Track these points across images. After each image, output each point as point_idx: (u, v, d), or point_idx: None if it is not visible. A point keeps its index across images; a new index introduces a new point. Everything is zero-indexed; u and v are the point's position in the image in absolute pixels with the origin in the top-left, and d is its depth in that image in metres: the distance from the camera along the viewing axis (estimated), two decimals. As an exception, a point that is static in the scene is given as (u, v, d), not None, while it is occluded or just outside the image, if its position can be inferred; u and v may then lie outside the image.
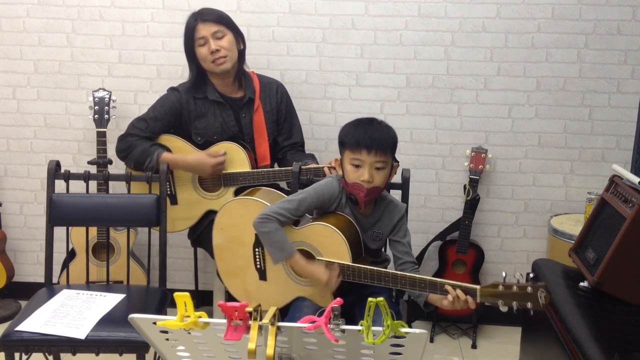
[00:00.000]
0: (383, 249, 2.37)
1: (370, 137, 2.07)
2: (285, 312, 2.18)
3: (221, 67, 2.72)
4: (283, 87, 2.94)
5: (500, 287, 1.85)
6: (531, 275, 1.86)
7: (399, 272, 2.03)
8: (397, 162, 2.22)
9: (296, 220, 2.19)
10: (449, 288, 1.92)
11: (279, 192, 2.50)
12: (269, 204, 2.22)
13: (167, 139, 2.80)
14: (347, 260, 2.08)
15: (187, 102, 2.78)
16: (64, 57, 3.24)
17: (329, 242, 2.10)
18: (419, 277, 1.99)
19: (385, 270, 2.05)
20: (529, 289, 1.82)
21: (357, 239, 2.17)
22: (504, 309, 1.86)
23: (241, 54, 2.80)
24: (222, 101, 2.80)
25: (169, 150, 2.77)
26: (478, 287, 1.89)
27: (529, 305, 1.82)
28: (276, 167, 2.89)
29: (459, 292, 1.91)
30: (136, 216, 2.48)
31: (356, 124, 2.13)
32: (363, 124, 2.13)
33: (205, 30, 2.69)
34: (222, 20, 2.73)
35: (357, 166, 2.09)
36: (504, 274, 1.88)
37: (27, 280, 3.46)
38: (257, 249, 2.25)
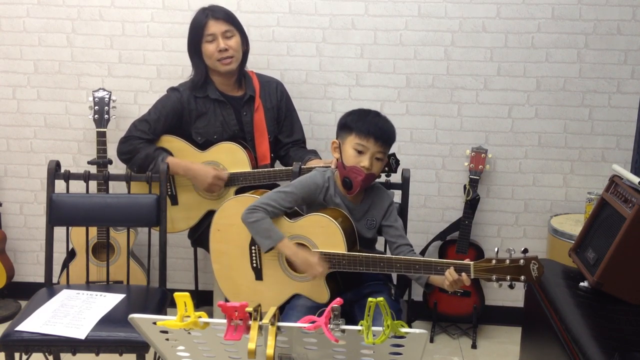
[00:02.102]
0: (376, 245, 2.38)
1: (380, 128, 2.14)
2: (281, 311, 2.19)
3: (226, 68, 2.72)
4: (282, 85, 2.95)
5: (493, 262, 1.90)
6: (522, 249, 1.88)
7: (393, 256, 2.07)
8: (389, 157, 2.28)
9: (287, 212, 2.20)
10: (447, 272, 1.97)
11: None
12: None
13: (168, 140, 2.80)
14: (342, 250, 2.10)
15: (188, 102, 2.78)
16: (64, 57, 3.24)
17: (325, 232, 2.11)
18: (413, 259, 2.05)
19: (380, 255, 2.09)
20: (522, 261, 1.86)
21: (352, 230, 2.18)
22: (497, 285, 1.89)
23: (245, 55, 2.81)
24: (224, 100, 2.80)
25: (171, 154, 2.77)
26: (471, 262, 1.94)
27: (522, 278, 1.85)
28: (277, 167, 2.89)
29: (451, 271, 1.96)
30: (136, 216, 2.48)
31: (365, 113, 2.20)
32: (372, 114, 2.20)
33: (216, 27, 2.69)
34: (233, 20, 2.75)
35: (359, 152, 2.14)
36: (496, 249, 1.90)
37: (27, 280, 3.46)
38: (253, 247, 2.25)
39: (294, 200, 2.19)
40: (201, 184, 2.74)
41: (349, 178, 2.15)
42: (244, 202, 2.28)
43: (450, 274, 1.96)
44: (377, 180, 2.29)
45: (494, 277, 1.89)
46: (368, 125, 2.13)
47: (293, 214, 2.24)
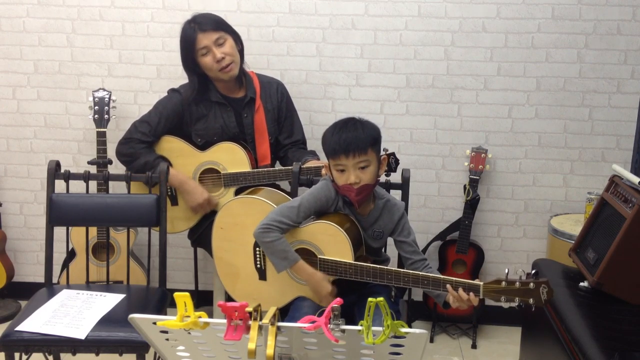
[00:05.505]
0: (384, 250, 2.37)
1: (345, 141, 2.06)
2: (285, 312, 2.19)
3: (230, 74, 2.71)
4: (283, 85, 2.94)
5: (503, 284, 1.86)
6: (533, 271, 1.88)
7: (401, 270, 2.04)
8: (386, 154, 2.21)
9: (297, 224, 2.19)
10: (448, 288, 1.94)
11: (280, 192, 2.49)
12: (271, 203, 2.22)
13: (168, 140, 2.80)
14: (349, 259, 2.09)
15: (189, 104, 2.77)
16: (64, 57, 3.24)
17: (332, 241, 2.11)
18: (422, 275, 2.01)
19: (387, 268, 2.07)
20: (532, 285, 1.83)
21: (359, 238, 2.18)
22: (505, 305, 1.87)
23: (241, 54, 2.79)
24: (224, 102, 2.79)
25: (170, 163, 2.76)
26: (481, 283, 1.91)
27: (531, 301, 1.83)
28: (277, 167, 2.89)
29: (460, 292, 1.93)
30: (136, 216, 2.48)
31: (332, 130, 2.13)
32: (338, 128, 2.12)
33: (206, 39, 2.66)
34: (221, 25, 2.71)
35: (341, 171, 2.10)
36: (506, 270, 1.89)
37: (27, 280, 3.46)
38: (257, 249, 2.26)
39: (306, 214, 2.17)
40: (191, 201, 2.75)
41: (345, 197, 2.15)
42: (247, 202, 2.30)
43: (460, 293, 1.93)
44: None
45: (502, 299, 1.86)
46: (333, 144, 2.08)
47: None
